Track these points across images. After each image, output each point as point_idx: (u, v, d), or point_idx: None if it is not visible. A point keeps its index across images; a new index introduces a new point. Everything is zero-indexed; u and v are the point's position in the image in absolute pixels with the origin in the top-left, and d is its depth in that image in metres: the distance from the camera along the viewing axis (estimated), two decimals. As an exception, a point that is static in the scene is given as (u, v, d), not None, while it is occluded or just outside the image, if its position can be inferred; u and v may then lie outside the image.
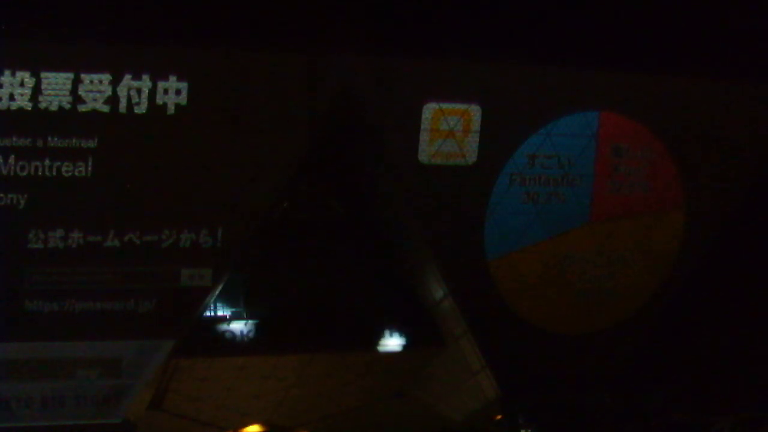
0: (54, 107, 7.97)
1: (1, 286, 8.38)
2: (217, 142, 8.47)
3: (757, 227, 10.28)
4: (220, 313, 9.68)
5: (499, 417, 10.35)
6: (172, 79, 8.19)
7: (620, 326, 10.23)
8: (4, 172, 8.03)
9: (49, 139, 8.06)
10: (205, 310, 9.24)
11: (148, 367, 8.91)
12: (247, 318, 9.70)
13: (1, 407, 8.69)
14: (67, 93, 7.96)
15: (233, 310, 9.74)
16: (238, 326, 9.65)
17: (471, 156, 9.22)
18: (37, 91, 7.89)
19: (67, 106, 7.99)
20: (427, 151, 9.10)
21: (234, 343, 9.63)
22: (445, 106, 9.03)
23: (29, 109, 7.93)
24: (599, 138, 9.60)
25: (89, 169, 8.19)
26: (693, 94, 9.68)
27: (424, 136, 9.07)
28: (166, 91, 8.19)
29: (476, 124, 9.14)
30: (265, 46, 8.40)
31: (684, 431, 10.55)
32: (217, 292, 9.05)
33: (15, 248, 8.27)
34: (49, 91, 7.92)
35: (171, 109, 8.24)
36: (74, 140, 8.11)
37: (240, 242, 8.85)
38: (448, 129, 9.08)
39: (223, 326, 9.60)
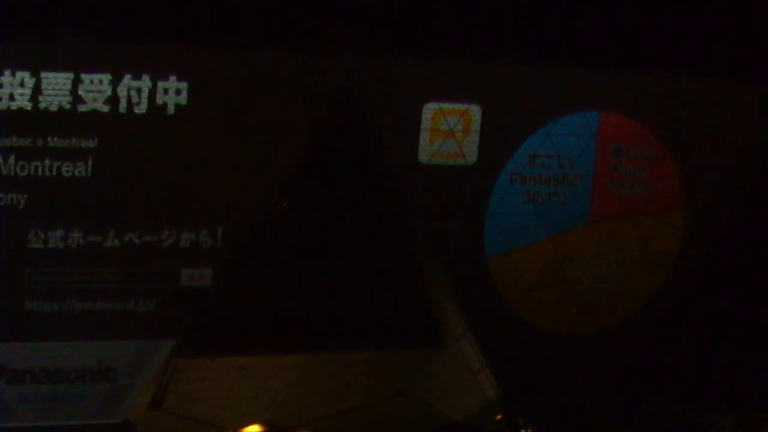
0: (54, 107, 7.97)
1: (1, 286, 8.39)
2: (217, 142, 8.46)
3: (757, 227, 10.29)
4: (220, 312, 9.68)
5: (499, 417, 10.36)
6: (172, 79, 8.20)
7: (620, 326, 10.22)
8: (4, 172, 8.04)
9: (49, 139, 8.07)
10: (205, 310, 9.24)
11: (148, 368, 8.91)
12: (247, 318, 9.71)
13: (1, 407, 8.69)
14: (67, 93, 7.97)
15: (233, 309, 9.74)
16: (238, 326, 9.66)
17: (471, 156, 9.21)
18: (37, 91, 7.89)
19: (67, 106, 8.00)
20: (427, 151, 9.09)
21: (234, 343, 9.63)
22: (445, 106, 9.03)
23: (29, 108, 7.94)
24: (599, 138, 9.60)
25: (89, 169, 8.20)
26: (693, 94, 9.68)
27: (424, 136, 9.06)
28: (166, 91, 8.20)
29: (476, 124, 9.13)
30: (265, 46, 8.41)
31: (684, 431, 10.56)
32: (217, 292, 9.05)
33: (15, 248, 8.27)
34: (49, 91, 7.93)
35: (171, 109, 8.24)
36: (74, 140, 8.12)
37: (240, 242, 8.85)
38: (448, 129, 9.07)
39: (223, 326, 9.59)
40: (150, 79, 8.10)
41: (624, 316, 10.19)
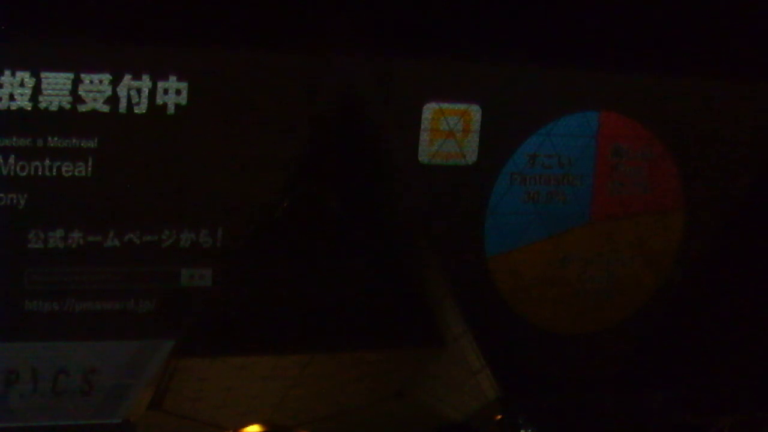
0: (54, 107, 7.97)
1: (1, 286, 8.39)
2: (216, 142, 8.47)
3: (757, 227, 10.29)
4: (220, 312, 9.68)
5: (499, 417, 10.35)
6: (172, 79, 8.20)
7: (620, 326, 10.22)
8: (4, 172, 8.04)
9: (49, 139, 8.07)
10: (205, 310, 9.24)
11: (148, 367, 8.91)
12: (247, 318, 9.70)
13: (1, 407, 8.69)
14: (67, 93, 7.97)
15: (233, 309, 9.74)
16: (238, 326, 9.65)
17: (471, 156, 9.21)
18: (37, 91, 7.89)
19: (67, 106, 8.00)
20: (427, 151, 9.10)
21: (234, 343, 9.62)
22: (445, 106, 9.03)
23: (29, 108, 7.93)
24: (599, 138, 9.61)
25: (89, 169, 8.20)
26: (693, 94, 9.68)
27: (424, 136, 9.06)
28: (166, 91, 8.20)
29: (476, 124, 9.13)
30: (265, 46, 8.40)
31: (684, 431, 10.56)
32: (217, 292, 9.05)
33: (15, 248, 8.27)
34: (49, 91, 7.93)
35: (171, 109, 8.24)
36: (74, 140, 8.12)
37: (240, 242, 8.85)
38: (448, 129, 9.08)
39: (223, 326, 9.59)
40: (150, 79, 8.10)
41: (624, 316, 10.19)
